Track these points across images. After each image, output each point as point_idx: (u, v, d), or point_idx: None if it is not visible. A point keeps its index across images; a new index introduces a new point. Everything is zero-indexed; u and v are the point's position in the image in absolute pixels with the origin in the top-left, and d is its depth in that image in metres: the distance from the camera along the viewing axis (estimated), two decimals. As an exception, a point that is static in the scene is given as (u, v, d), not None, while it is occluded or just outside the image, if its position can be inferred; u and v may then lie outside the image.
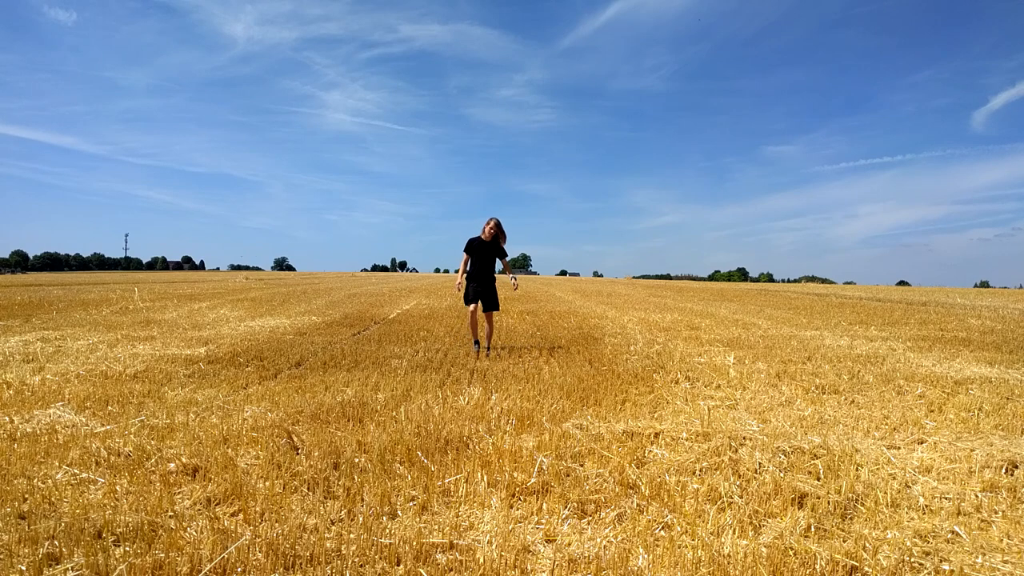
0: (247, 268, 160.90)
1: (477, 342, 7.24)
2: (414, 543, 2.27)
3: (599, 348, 7.69)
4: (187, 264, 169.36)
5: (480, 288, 7.05)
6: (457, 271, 7.35)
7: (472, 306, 7.12)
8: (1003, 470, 3.16)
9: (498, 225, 7.06)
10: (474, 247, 7.09)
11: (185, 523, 2.43)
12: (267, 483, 2.85)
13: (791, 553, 2.25)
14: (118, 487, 2.79)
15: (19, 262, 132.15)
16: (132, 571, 2.05)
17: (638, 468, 3.16)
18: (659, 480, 2.96)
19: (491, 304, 7.15)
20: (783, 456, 3.35)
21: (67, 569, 2.08)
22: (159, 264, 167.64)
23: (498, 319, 10.93)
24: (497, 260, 7.22)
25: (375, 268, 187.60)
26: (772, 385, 5.38)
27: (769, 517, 2.60)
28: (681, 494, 2.80)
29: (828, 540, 2.38)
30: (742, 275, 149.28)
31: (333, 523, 2.48)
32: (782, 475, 3.04)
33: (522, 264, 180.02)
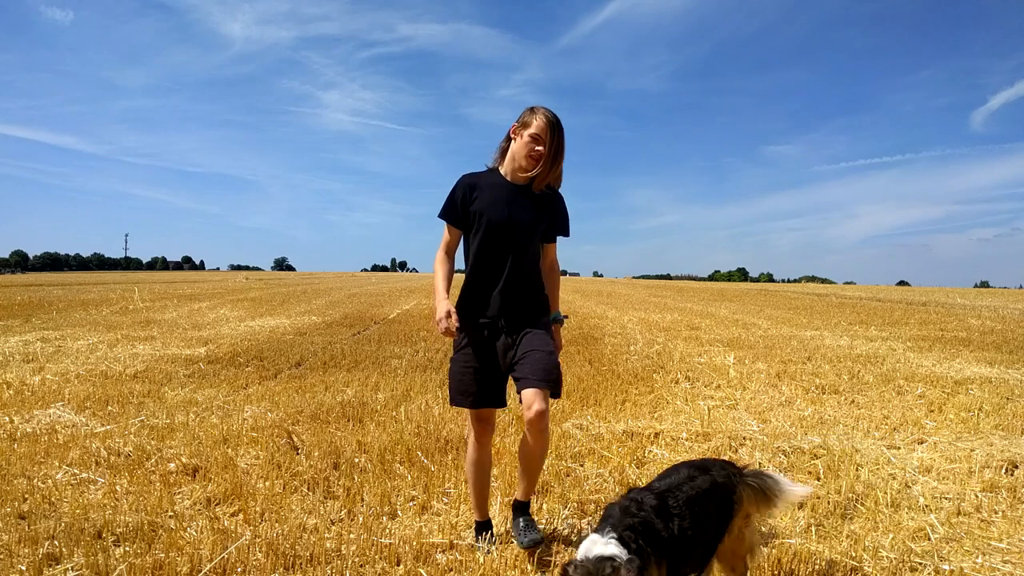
0: (247, 268, 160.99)
1: (484, 525, 2.33)
2: (414, 543, 2.27)
3: (599, 348, 7.69)
4: (187, 264, 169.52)
5: (501, 335, 2.23)
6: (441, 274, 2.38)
7: (474, 415, 2.27)
8: (1003, 470, 3.16)
9: (555, 128, 2.16)
10: (473, 201, 2.25)
11: (185, 523, 2.43)
12: (267, 483, 2.85)
13: (791, 553, 2.25)
14: (118, 487, 2.79)
15: (19, 262, 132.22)
16: (132, 571, 2.05)
17: (638, 468, 3.16)
18: (659, 480, 2.96)
19: (547, 380, 2.09)
20: (783, 456, 3.35)
21: (67, 569, 2.08)
22: (159, 264, 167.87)
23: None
24: (543, 246, 2.37)
25: (375, 268, 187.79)
26: (772, 385, 5.38)
27: (769, 517, 2.59)
28: (681, 494, 2.80)
29: (828, 540, 2.38)
30: (742, 275, 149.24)
31: (333, 523, 2.48)
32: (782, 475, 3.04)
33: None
